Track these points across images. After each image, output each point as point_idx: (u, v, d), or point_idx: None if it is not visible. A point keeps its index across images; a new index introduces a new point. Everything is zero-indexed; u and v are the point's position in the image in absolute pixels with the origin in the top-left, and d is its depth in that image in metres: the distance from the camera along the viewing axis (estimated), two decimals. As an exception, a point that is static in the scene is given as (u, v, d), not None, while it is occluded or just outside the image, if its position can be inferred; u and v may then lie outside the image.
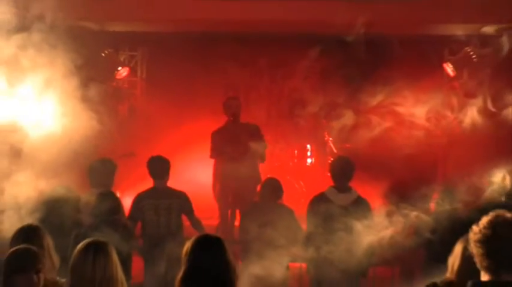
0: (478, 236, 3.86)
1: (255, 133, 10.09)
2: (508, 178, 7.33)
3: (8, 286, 4.58)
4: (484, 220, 3.89)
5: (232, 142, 9.90)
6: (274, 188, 8.09)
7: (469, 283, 3.92)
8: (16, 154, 7.16)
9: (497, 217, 3.87)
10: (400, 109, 9.10)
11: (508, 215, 3.91)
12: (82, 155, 7.41)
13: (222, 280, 4.49)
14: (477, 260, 3.87)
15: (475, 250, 3.86)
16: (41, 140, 7.02)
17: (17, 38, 7.13)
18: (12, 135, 7.24)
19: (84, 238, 4.89)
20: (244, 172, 9.61)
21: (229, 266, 4.53)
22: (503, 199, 7.22)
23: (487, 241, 3.82)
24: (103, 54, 11.35)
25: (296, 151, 11.75)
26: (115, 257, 4.66)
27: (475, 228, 3.89)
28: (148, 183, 8.17)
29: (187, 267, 4.51)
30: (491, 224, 3.84)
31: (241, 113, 10.25)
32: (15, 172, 6.89)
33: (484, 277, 3.88)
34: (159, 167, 8.08)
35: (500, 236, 3.81)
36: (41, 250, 4.99)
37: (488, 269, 3.83)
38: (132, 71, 12.07)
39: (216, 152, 10.04)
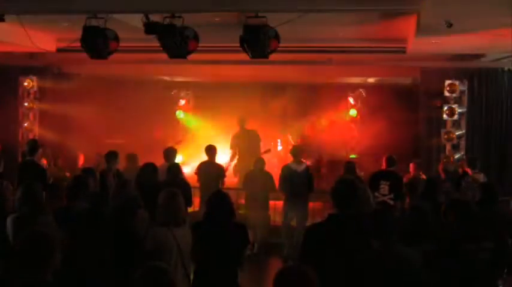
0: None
1: (255, 135, 10.05)
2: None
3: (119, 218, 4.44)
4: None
5: (243, 140, 9.87)
6: (261, 162, 8.36)
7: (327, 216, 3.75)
8: None
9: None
10: (326, 120, 9.47)
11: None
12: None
13: (225, 216, 4.41)
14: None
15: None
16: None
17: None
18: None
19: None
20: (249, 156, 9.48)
21: (231, 209, 4.46)
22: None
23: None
24: (172, 93, 11.86)
25: (272, 143, 11.64)
26: (181, 198, 4.49)
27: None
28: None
29: (206, 210, 4.47)
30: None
31: (247, 123, 10.14)
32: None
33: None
34: (211, 150, 8.15)
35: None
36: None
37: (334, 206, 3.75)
38: (187, 102, 12.26)
39: (232, 146, 9.98)
